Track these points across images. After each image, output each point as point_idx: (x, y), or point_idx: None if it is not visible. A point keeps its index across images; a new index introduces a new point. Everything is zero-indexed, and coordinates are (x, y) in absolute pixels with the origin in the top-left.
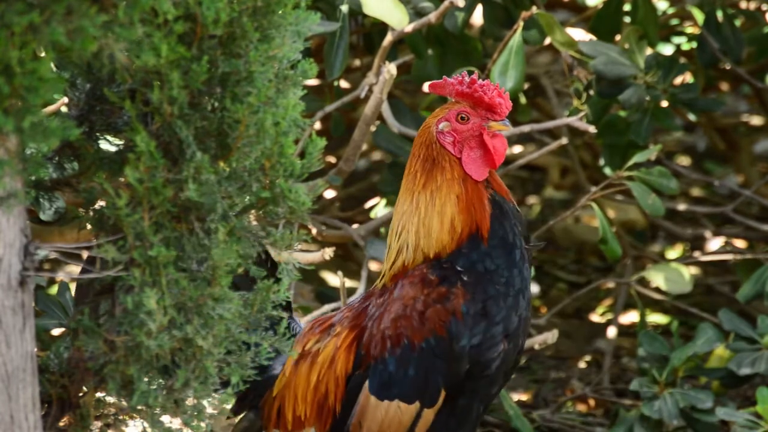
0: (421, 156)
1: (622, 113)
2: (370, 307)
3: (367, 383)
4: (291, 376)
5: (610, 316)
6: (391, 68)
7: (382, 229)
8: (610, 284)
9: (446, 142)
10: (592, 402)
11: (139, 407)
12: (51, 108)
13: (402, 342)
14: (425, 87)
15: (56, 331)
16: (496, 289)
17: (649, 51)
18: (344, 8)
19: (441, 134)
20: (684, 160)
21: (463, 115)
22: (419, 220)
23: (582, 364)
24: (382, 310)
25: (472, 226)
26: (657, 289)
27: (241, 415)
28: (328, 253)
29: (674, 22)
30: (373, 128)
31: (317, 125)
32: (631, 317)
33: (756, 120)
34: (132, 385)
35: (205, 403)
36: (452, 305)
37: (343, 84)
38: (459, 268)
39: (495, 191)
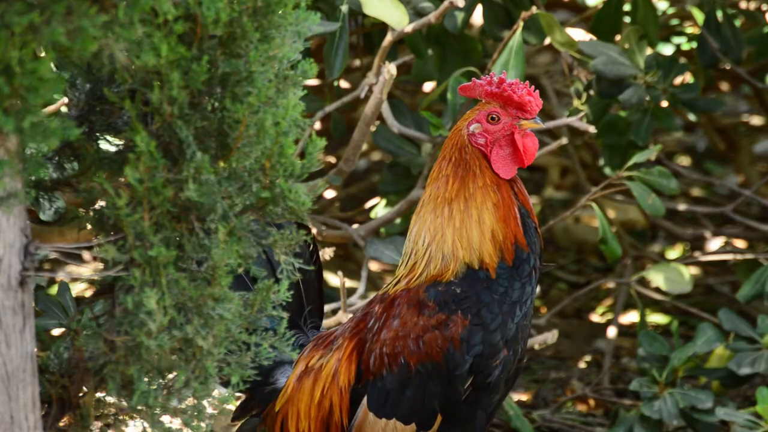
0: (452, 159)
1: (622, 113)
2: (369, 317)
3: (366, 399)
4: (294, 392)
5: (610, 316)
6: (391, 68)
7: (383, 229)
8: (610, 284)
9: (478, 143)
10: (592, 402)
11: (139, 407)
12: (51, 108)
13: (399, 362)
14: (425, 86)
15: (56, 331)
16: (492, 297)
17: (649, 51)
18: (344, 8)
19: (473, 136)
20: (684, 160)
21: (494, 116)
22: (455, 229)
23: (582, 364)
24: (381, 325)
25: (511, 237)
26: (657, 289)
27: (244, 419)
28: (328, 253)
29: (674, 22)
30: (373, 128)
31: (317, 125)
32: (631, 317)
33: (756, 120)
34: (132, 385)
35: (205, 403)
36: (450, 333)
37: (343, 84)
38: (456, 289)
39: (522, 204)
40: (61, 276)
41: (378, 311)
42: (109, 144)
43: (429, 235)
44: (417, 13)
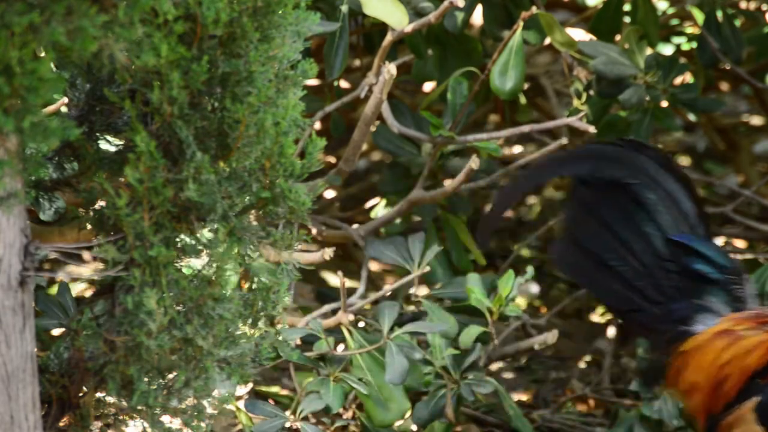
0: None
1: (622, 113)
2: None
3: (759, 398)
4: (706, 342)
5: (610, 316)
6: (391, 68)
7: (383, 229)
8: None
9: None
10: (592, 402)
11: (139, 407)
12: (51, 108)
13: None
14: (425, 86)
15: (56, 331)
16: None
17: (649, 51)
18: (344, 8)
19: None
20: (684, 160)
21: None
22: None
23: (582, 364)
24: None
25: None
26: None
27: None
28: (328, 253)
29: (674, 22)
30: (373, 128)
31: (317, 125)
32: None
33: (756, 120)
34: (132, 385)
35: (205, 403)
36: None
37: (343, 84)
38: None
39: None
40: (61, 276)
41: None
42: (109, 144)
43: None
44: (417, 13)
